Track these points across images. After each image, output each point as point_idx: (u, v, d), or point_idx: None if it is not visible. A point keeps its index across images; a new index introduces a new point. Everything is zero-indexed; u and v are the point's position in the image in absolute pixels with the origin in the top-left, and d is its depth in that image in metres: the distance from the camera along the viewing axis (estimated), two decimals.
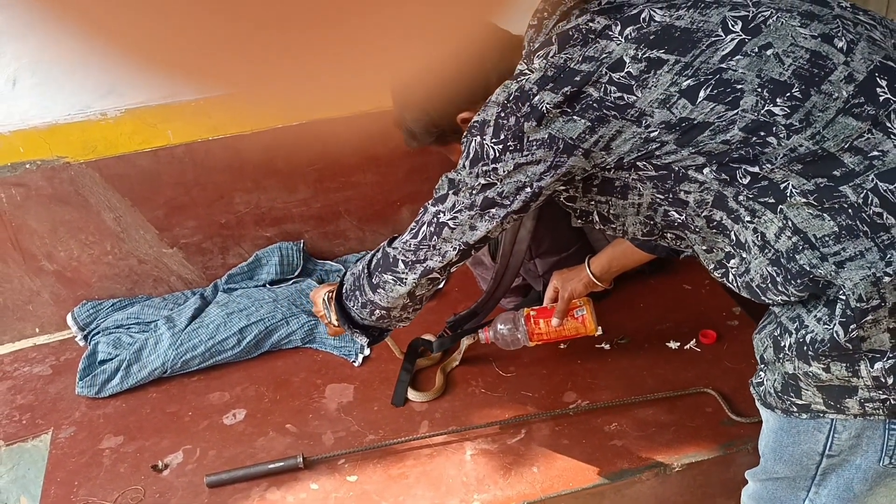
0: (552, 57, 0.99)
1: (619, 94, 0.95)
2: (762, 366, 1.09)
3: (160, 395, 1.69)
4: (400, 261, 1.16)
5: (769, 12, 0.94)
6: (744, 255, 1.01)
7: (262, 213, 1.94)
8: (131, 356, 1.70)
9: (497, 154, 1.01)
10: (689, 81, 0.93)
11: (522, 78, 1.01)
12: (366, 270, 1.23)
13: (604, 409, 1.51)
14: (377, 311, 1.23)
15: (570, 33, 0.99)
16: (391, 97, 1.22)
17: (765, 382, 1.08)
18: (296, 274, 1.95)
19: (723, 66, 0.92)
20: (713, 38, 0.93)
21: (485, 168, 1.02)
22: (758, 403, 1.12)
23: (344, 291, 1.28)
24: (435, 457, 1.46)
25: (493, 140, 1.01)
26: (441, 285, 1.22)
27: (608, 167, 1.01)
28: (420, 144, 1.25)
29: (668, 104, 0.94)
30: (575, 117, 0.97)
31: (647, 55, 0.94)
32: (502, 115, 1.00)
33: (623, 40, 0.96)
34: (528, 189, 1.02)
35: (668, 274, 1.89)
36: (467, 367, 1.66)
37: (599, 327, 1.71)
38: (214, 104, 1.78)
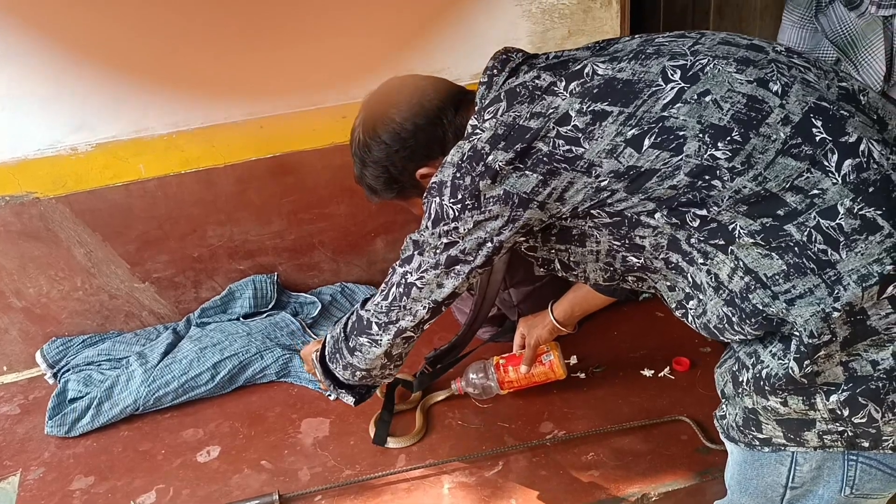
0: (501, 115, 1.03)
1: (567, 147, 0.99)
2: (724, 400, 1.12)
3: (132, 432, 1.66)
4: (374, 323, 1.20)
5: (706, 60, 0.98)
6: (700, 297, 1.04)
7: (235, 246, 1.93)
8: (102, 394, 1.67)
9: (456, 213, 1.05)
10: (633, 131, 0.96)
11: (474, 137, 1.04)
12: (342, 334, 1.27)
13: (580, 438, 1.51)
14: (358, 372, 1.27)
15: (518, 90, 1.04)
16: (351, 155, 1.24)
17: (727, 416, 1.11)
18: (270, 307, 1.94)
19: (665, 114, 0.96)
20: (654, 88, 0.97)
21: (446, 228, 1.07)
22: (722, 436, 1.14)
23: (326, 354, 1.32)
24: (412, 491, 1.45)
25: (452, 200, 1.05)
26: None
27: (564, 217, 1.05)
28: (381, 199, 1.26)
29: (615, 154, 0.97)
30: (527, 172, 1.01)
31: (591, 108, 0.98)
32: (458, 175, 1.04)
33: (568, 95, 1.00)
34: (489, 244, 1.06)
35: (641, 302, 1.90)
36: (444, 399, 1.66)
37: (576, 357, 1.73)
38: (187, 137, 1.77)
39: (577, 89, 1.00)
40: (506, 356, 1.61)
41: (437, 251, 1.09)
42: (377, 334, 1.20)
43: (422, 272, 1.12)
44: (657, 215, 0.99)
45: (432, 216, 1.07)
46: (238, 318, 1.91)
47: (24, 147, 1.69)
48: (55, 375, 1.82)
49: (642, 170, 0.96)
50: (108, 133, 1.73)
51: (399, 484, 1.47)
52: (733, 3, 2.78)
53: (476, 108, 1.10)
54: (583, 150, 0.98)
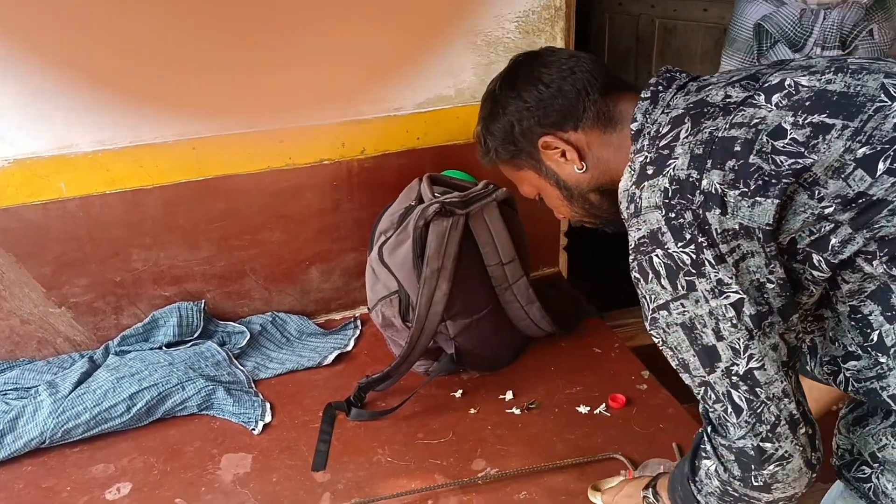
0: (691, 135, 0.90)
1: (793, 161, 0.85)
2: (875, 464, 0.97)
3: (36, 468, 1.54)
4: (756, 446, 0.91)
5: None
6: (881, 360, 0.90)
7: (160, 272, 1.84)
8: (5, 425, 1.55)
9: (695, 257, 0.87)
10: (864, 149, 0.83)
11: (668, 169, 0.89)
12: (733, 483, 0.95)
13: (513, 476, 1.46)
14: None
15: (705, 110, 0.92)
16: (482, 102, 1.15)
17: (873, 480, 0.96)
18: (195, 336, 1.85)
19: None
20: (878, 104, 0.85)
21: (688, 279, 0.87)
22: (855, 495, 0.99)
23: None
24: None
25: (681, 245, 0.87)
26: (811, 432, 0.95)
27: (782, 247, 0.89)
28: (491, 161, 1.16)
29: (843, 174, 0.84)
30: (758, 199, 0.85)
31: (809, 120, 0.86)
32: (672, 215, 0.87)
33: (774, 107, 0.88)
34: (770, 284, 0.87)
35: (579, 337, 1.88)
36: (373, 433, 1.59)
37: (511, 392, 1.68)
38: (113, 156, 1.70)
39: (783, 102, 0.88)
40: None
41: (726, 314, 0.87)
42: (775, 447, 0.91)
43: (748, 355, 0.88)
44: (875, 262, 0.85)
45: (662, 273, 0.89)
46: (161, 347, 1.82)
47: None
48: None
49: (874, 198, 0.82)
50: (28, 148, 1.64)
51: None
52: (674, 47, 2.85)
53: (635, 125, 1.00)
54: (811, 161, 0.84)
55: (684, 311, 0.89)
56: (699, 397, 0.95)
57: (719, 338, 0.88)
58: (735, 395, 0.90)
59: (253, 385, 1.76)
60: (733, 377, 0.89)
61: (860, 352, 0.92)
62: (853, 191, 0.84)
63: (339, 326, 1.97)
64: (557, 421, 1.61)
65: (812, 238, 0.86)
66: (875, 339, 0.90)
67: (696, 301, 0.88)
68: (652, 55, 2.92)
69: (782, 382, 0.89)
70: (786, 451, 0.91)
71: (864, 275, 0.87)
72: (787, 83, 0.90)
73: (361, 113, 1.85)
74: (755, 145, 0.86)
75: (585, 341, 1.87)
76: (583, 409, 1.63)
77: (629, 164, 0.98)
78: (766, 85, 0.91)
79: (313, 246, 1.95)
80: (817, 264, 0.88)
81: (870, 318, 0.90)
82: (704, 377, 0.92)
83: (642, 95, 1.02)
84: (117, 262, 1.80)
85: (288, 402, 1.71)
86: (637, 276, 0.93)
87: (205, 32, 1.64)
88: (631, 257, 0.93)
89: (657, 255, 0.89)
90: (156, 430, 1.64)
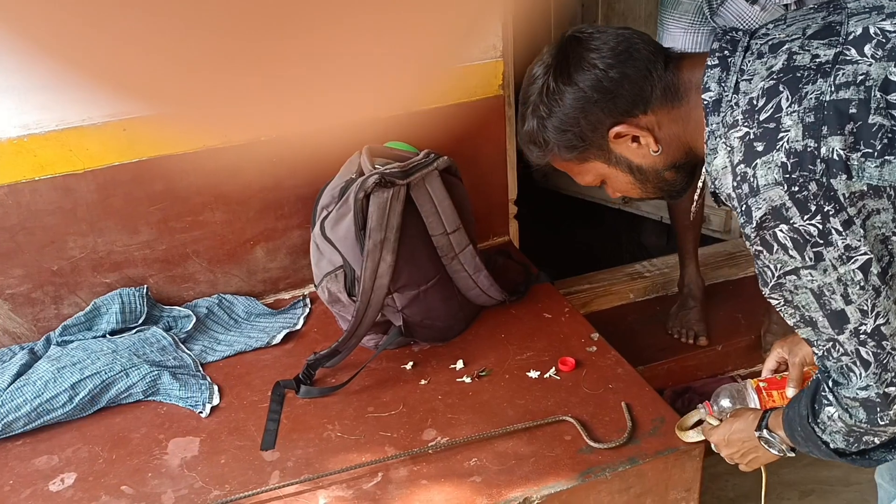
0: (795, 103, 0.89)
1: None
2: None
3: None
4: (882, 393, 0.96)
5: None
6: None
7: (99, 258, 1.80)
8: None
9: (821, 227, 0.88)
10: None
11: (780, 143, 0.89)
12: (859, 425, 1.00)
13: (463, 444, 1.46)
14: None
15: (798, 75, 0.91)
16: (525, 103, 1.06)
17: None
18: (140, 322, 1.81)
19: None
20: None
21: (816, 250, 0.89)
22: None
23: (835, 449, 1.06)
24: None
25: (806, 217, 0.88)
26: None
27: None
28: (548, 159, 1.09)
29: None
30: (888, 157, 0.85)
31: None
32: (795, 188, 0.88)
33: (873, 60, 0.88)
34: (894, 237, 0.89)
35: (529, 304, 1.88)
36: (323, 409, 1.58)
37: (462, 361, 1.68)
38: (40, 141, 1.64)
39: (879, 53, 0.87)
40: (765, 379, 1.36)
41: (855, 279, 0.89)
42: None
43: (872, 314, 0.91)
44: None
45: (789, 246, 0.90)
46: (104, 335, 1.78)
47: None
48: None
49: None
50: None
51: (271, 502, 1.37)
52: (619, 12, 2.84)
53: (711, 96, 0.97)
54: None
55: (812, 279, 0.92)
56: (822, 350, 0.99)
57: (848, 302, 0.91)
58: (863, 351, 0.94)
59: (200, 368, 1.73)
60: (861, 335, 0.93)
61: None
62: None
63: (288, 306, 1.95)
64: (508, 387, 1.61)
65: None
66: None
67: (825, 270, 0.90)
68: (597, 20, 2.90)
69: None
70: None
71: None
72: (872, 31, 0.89)
73: None
74: (871, 104, 0.85)
75: (535, 307, 1.87)
76: (533, 374, 1.64)
77: (722, 139, 0.96)
78: (852, 37, 0.90)
79: (256, 225, 1.92)
80: None
81: None
82: (833, 336, 0.95)
83: (709, 63, 0.99)
84: (53, 250, 1.75)
85: (237, 384, 1.68)
86: (759, 248, 0.94)
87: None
88: (752, 234, 0.93)
89: (781, 230, 0.90)
90: (100, 419, 1.60)
